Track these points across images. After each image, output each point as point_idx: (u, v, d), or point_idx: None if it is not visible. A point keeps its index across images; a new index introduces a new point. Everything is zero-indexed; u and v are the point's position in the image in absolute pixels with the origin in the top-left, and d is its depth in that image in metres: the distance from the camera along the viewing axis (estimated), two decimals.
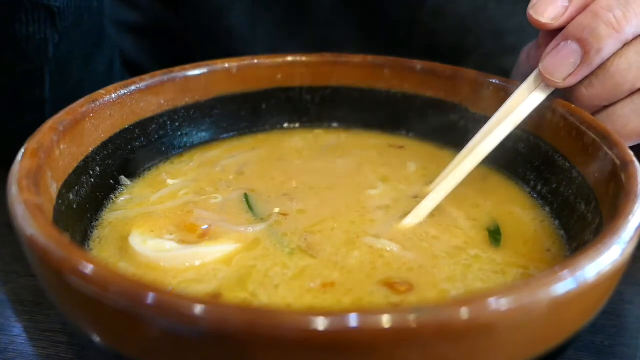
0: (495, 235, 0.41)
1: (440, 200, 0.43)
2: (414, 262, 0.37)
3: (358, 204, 0.44)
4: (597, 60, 0.40)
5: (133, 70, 0.72)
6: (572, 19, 0.42)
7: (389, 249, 0.38)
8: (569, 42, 0.41)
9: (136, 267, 0.37)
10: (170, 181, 0.47)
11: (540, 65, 0.43)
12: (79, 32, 0.57)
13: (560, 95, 0.44)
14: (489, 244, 0.40)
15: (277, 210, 0.43)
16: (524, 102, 0.44)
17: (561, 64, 0.41)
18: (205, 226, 0.41)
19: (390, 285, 0.35)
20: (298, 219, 0.42)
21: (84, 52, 0.59)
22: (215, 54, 0.53)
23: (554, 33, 0.43)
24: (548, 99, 0.44)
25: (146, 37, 0.76)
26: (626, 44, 0.41)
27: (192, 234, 0.40)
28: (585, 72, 0.41)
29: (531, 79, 0.44)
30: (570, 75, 0.41)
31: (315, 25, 0.70)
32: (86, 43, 0.59)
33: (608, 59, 0.41)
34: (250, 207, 0.43)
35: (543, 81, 0.43)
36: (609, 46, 0.40)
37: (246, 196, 0.44)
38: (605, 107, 0.43)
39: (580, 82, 0.42)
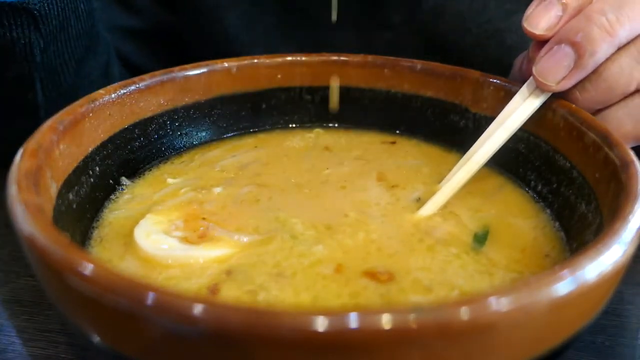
0: (480, 239, 0.40)
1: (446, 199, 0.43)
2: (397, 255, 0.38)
3: (357, 203, 0.44)
4: (590, 64, 0.40)
5: (138, 74, 0.72)
6: None
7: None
8: (563, 45, 0.41)
9: (139, 260, 0.38)
10: (170, 180, 0.47)
11: (533, 69, 0.43)
12: (67, 36, 0.57)
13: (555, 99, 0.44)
14: (472, 247, 0.39)
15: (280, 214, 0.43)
16: (520, 108, 0.44)
17: (555, 67, 0.41)
18: (206, 227, 0.41)
19: (372, 275, 0.36)
20: (298, 219, 0.42)
21: (74, 56, 0.59)
22: (212, 56, 0.53)
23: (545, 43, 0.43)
24: (544, 103, 0.44)
25: (148, 41, 0.76)
26: (619, 48, 0.41)
27: (194, 232, 0.40)
28: (578, 75, 0.41)
29: (526, 85, 0.44)
30: (564, 78, 0.41)
31: (313, 27, 0.70)
32: (76, 47, 0.59)
33: (601, 64, 0.41)
34: None
35: (537, 85, 0.43)
36: (602, 49, 0.40)
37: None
38: (599, 110, 0.43)
39: (574, 86, 0.42)
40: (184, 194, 0.45)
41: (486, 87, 0.49)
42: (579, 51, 0.40)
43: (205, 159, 0.51)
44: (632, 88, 0.41)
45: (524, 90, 0.44)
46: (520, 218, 0.43)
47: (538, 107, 0.44)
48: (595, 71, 0.41)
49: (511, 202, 0.45)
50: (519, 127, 0.44)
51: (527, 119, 0.44)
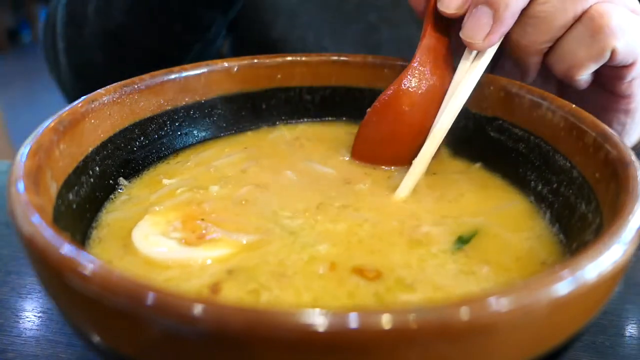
0: (463, 241, 0.40)
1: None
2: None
3: (354, 199, 0.44)
4: (508, 15, 0.44)
5: None
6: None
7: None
8: (480, 6, 0.45)
9: (139, 262, 0.38)
10: (166, 181, 0.47)
11: (460, 34, 0.46)
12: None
13: (508, 54, 0.48)
14: (455, 248, 0.39)
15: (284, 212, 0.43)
16: (467, 74, 0.47)
17: (476, 26, 0.45)
18: (205, 228, 0.41)
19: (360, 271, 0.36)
20: (296, 220, 0.42)
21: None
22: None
23: None
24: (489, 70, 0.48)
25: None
26: None
27: (192, 233, 0.40)
28: (501, 28, 0.45)
29: (466, 51, 0.47)
30: (488, 34, 0.45)
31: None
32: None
33: (532, 6, 0.44)
34: None
35: (467, 47, 0.47)
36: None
37: None
38: (551, 48, 0.46)
39: (516, 34, 0.46)
40: (180, 195, 0.45)
41: (486, 87, 0.49)
42: (493, 6, 0.44)
43: (200, 159, 0.51)
44: (570, 18, 0.44)
45: (465, 55, 0.47)
46: (516, 223, 0.43)
47: (484, 68, 0.47)
48: (530, 14, 0.45)
49: (508, 207, 0.45)
50: (470, 91, 0.47)
51: (476, 82, 0.47)
